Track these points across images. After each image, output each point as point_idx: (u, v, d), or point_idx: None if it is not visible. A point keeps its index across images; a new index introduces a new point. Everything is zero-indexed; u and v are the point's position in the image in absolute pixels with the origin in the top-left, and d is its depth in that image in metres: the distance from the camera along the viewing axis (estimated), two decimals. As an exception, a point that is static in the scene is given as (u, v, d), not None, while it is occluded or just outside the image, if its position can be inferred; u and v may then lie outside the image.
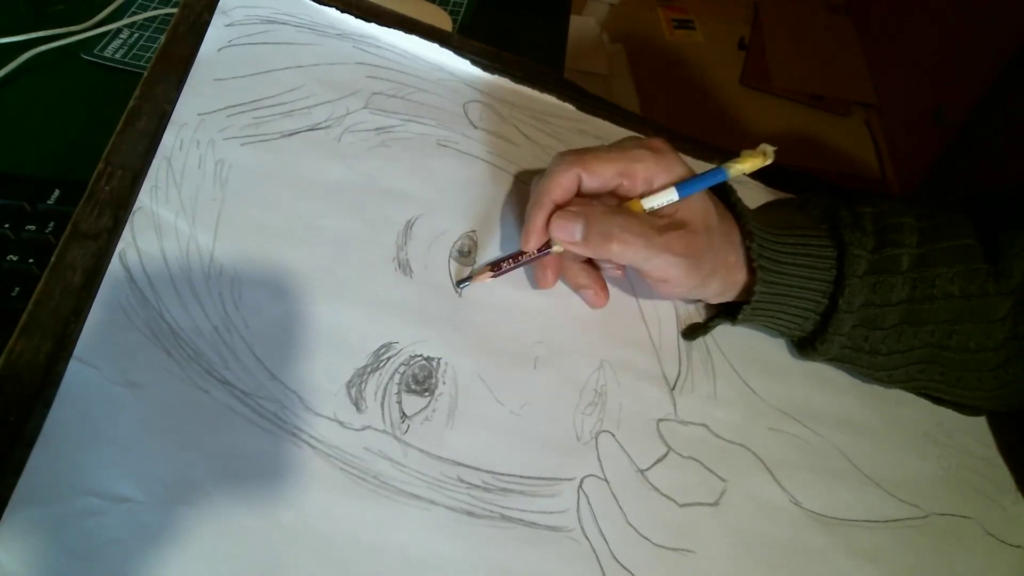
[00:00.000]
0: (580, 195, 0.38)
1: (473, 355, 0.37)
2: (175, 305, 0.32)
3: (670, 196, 0.37)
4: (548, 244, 0.38)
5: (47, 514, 0.27)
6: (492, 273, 0.38)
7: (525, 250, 0.38)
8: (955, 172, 1.49)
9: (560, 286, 0.41)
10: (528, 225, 0.38)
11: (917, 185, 1.58)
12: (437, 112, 0.44)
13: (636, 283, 0.43)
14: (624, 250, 0.36)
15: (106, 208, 0.34)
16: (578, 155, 0.37)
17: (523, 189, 0.43)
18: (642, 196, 0.38)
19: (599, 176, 0.37)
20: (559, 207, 0.37)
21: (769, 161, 0.36)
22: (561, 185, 0.37)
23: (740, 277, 0.40)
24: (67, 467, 0.28)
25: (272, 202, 0.37)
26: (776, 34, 1.88)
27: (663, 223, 0.37)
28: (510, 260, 0.38)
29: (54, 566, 0.27)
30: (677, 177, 0.37)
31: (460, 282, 0.38)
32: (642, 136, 0.40)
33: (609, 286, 0.41)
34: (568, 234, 0.37)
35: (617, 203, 0.38)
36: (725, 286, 0.40)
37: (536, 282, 0.40)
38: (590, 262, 0.41)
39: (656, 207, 0.37)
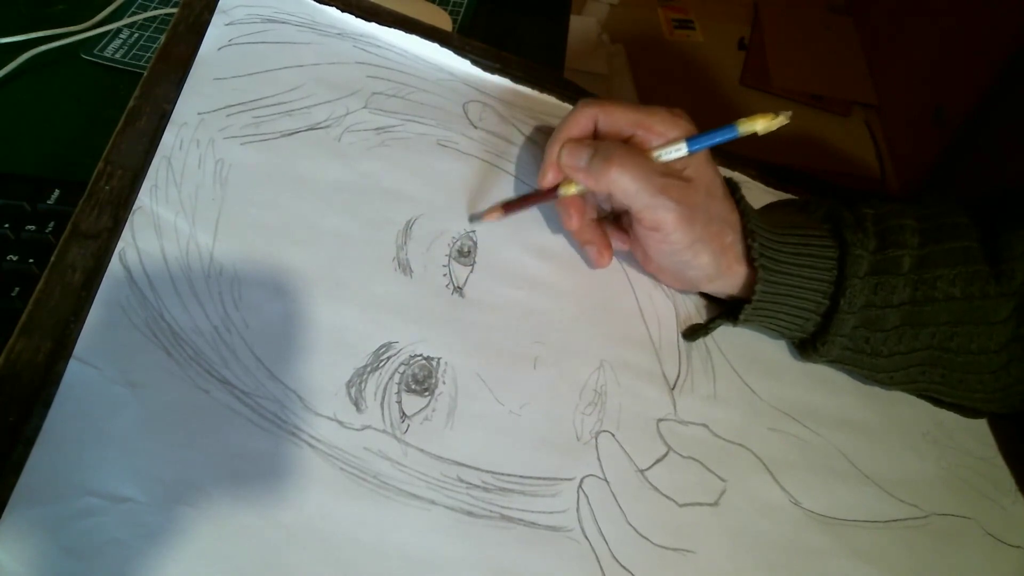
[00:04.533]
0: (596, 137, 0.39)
1: (473, 355, 0.37)
2: (175, 305, 0.32)
3: (680, 149, 0.37)
4: (558, 187, 0.39)
5: (46, 514, 0.27)
6: (504, 211, 0.40)
7: (541, 185, 0.40)
8: (955, 172, 1.49)
9: (559, 285, 0.41)
10: (545, 160, 0.39)
11: (917, 185, 1.58)
12: (437, 112, 0.44)
13: (636, 282, 0.43)
14: (622, 176, 0.36)
15: (106, 208, 0.34)
16: (598, 100, 0.39)
17: (523, 189, 0.43)
18: (656, 147, 0.38)
19: (616, 121, 0.38)
20: None
21: (783, 122, 0.35)
22: (578, 123, 0.39)
23: (736, 267, 0.40)
24: (66, 467, 0.28)
25: (272, 202, 0.37)
26: (776, 34, 1.88)
27: (668, 170, 0.38)
28: (521, 200, 0.40)
29: (53, 566, 0.27)
30: (690, 135, 0.38)
31: (472, 218, 0.40)
32: None
33: (608, 286, 0.41)
34: (575, 160, 0.38)
35: None
36: (716, 266, 0.40)
37: (561, 222, 0.41)
38: (601, 224, 0.42)
39: (665, 158, 0.38)
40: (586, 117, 0.39)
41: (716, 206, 0.39)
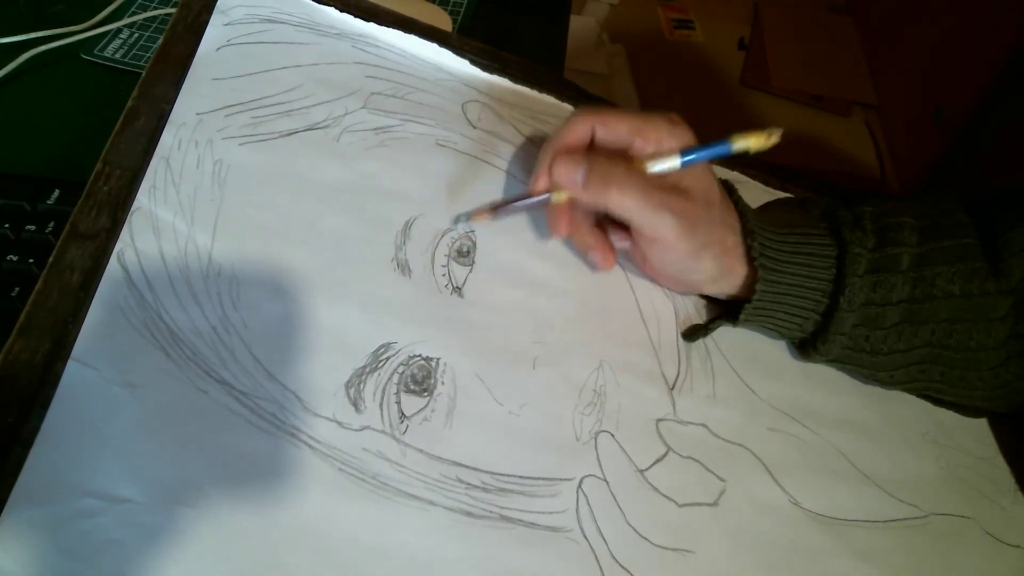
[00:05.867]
0: (592, 148, 0.39)
1: (472, 355, 0.37)
2: (173, 305, 0.32)
3: (672, 162, 0.37)
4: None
5: (45, 515, 0.27)
6: (492, 214, 0.39)
7: (533, 191, 0.39)
8: (955, 172, 1.49)
9: (558, 285, 0.41)
10: (538, 166, 0.39)
11: (917, 185, 1.58)
12: (436, 112, 0.44)
13: (635, 282, 0.43)
14: (622, 198, 0.36)
15: (104, 208, 0.34)
16: (596, 108, 0.39)
17: (521, 190, 0.43)
18: (650, 158, 0.38)
19: (613, 129, 0.38)
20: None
21: (774, 142, 0.36)
22: (575, 132, 0.38)
23: (738, 267, 0.40)
24: (65, 468, 0.28)
25: (271, 202, 0.37)
26: (776, 34, 1.88)
27: (664, 184, 0.38)
28: (511, 202, 0.39)
29: (52, 567, 0.27)
30: (686, 145, 0.38)
31: (459, 217, 0.40)
32: None
33: (607, 286, 0.41)
34: (570, 178, 0.37)
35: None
36: (719, 269, 0.40)
37: (548, 229, 0.41)
38: (599, 225, 0.42)
39: (659, 171, 0.37)
40: (583, 126, 0.38)
41: (716, 212, 0.39)
